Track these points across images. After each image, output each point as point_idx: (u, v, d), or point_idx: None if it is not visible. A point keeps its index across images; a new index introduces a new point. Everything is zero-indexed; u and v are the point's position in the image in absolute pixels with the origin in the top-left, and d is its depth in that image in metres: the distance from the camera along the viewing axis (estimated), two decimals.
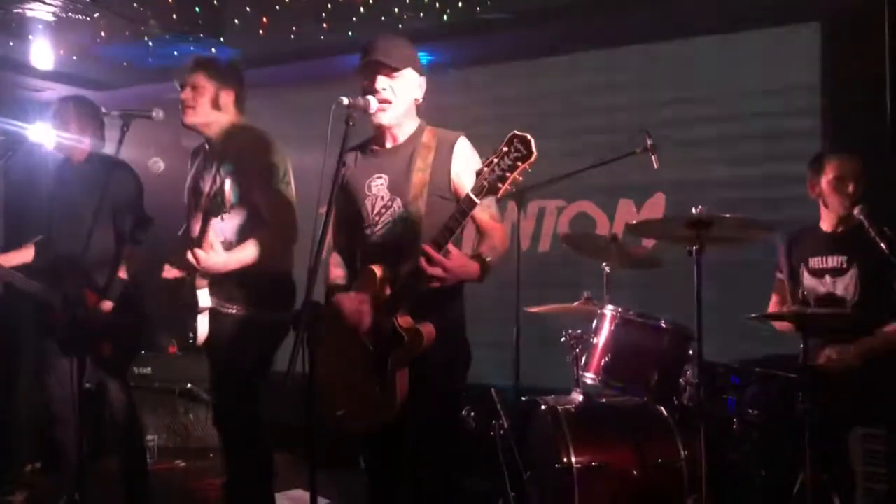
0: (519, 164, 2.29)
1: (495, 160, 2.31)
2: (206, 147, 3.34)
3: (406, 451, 2.65)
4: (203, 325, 3.13)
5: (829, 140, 4.12)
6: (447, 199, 2.61)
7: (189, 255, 2.98)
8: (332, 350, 2.58)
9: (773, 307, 3.60)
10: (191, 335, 3.14)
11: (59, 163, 3.89)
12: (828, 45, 4.26)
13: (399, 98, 2.66)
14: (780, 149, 4.32)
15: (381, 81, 2.62)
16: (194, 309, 3.11)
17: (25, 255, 3.92)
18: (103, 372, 3.76)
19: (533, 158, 2.28)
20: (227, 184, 3.05)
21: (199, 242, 3.01)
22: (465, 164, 2.61)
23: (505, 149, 2.30)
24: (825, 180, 3.43)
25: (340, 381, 2.63)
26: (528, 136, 2.29)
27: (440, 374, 2.59)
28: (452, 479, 2.77)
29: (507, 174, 2.30)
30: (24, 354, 5.15)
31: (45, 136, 3.88)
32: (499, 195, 2.35)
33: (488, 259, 2.52)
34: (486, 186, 2.32)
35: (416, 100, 2.73)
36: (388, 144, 2.74)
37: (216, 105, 3.25)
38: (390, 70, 2.62)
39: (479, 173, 2.35)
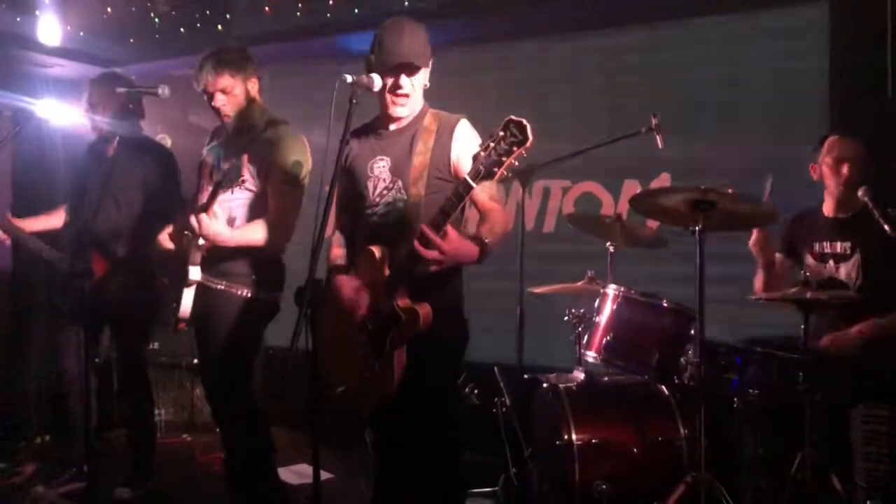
0: (515, 148, 2.30)
1: (492, 145, 2.32)
2: (229, 131, 3.33)
3: (408, 429, 2.69)
4: (187, 300, 3.14)
5: (836, 122, 4.10)
6: (448, 182, 2.63)
7: (192, 219, 2.99)
8: (332, 328, 2.62)
9: (759, 284, 3.59)
10: (174, 306, 3.15)
11: (96, 143, 3.91)
12: (836, 25, 4.22)
13: (416, 91, 2.70)
14: (787, 130, 4.30)
15: (405, 79, 2.66)
16: (183, 282, 3.13)
17: (54, 219, 4.00)
18: (115, 345, 3.82)
19: (529, 143, 2.29)
20: (245, 160, 3.05)
21: (203, 209, 3.01)
22: (465, 148, 2.63)
23: (501, 133, 2.31)
24: (824, 161, 3.43)
25: (340, 358, 2.66)
26: (524, 122, 2.30)
27: (438, 353, 2.62)
28: (455, 455, 2.80)
29: (504, 158, 2.30)
30: (33, 327, 5.21)
31: (52, 111, 3.90)
32: (495, 179, 2.36)
33: (487, 241, 2.53)
34: (482, 171, 2.33)
35: (424, 85, 2.75)
36: (392, 127, 2.77)
37: (248, 97, 3.27)
38: (417, 69, 2.66)
39: (475, 157, 2.36)
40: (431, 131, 2.69)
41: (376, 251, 2.61)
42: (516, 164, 2.33)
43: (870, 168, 3.39)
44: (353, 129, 2.71)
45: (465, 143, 2.65)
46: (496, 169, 2.32)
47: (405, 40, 2.62)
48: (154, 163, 3.80)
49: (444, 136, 2.68)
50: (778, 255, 3.61)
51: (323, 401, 2.53)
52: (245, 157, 3.07)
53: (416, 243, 2.41)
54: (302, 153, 3.20)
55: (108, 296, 3.65)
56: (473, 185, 2.36)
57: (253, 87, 3.29)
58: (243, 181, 3.13)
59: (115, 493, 3.79)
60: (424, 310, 2.54)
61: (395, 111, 2.70)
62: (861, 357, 3.16)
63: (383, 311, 2.56)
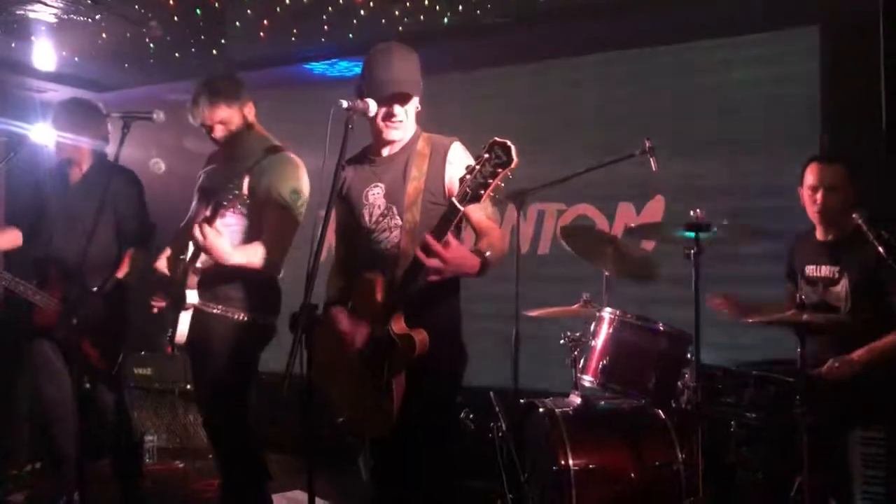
0: (500, 170, 2.31)
1: (477, 167, 2.33)
2: (227, 155, 3.31)
3: (405, 455, 2.67)
4: (184, 324, 3.12)
5: (827, 145, 4.12)
6: (443, 206, 2.59)
7: (196, 230, 2.92)
8: (331, 358, 2.61)
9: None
10: (170, 331, 3.13)
11: (60, 166, 3.89)
12: (827, 48, 4.26)
13: (409, 117, 2.72)
14: (779, 152, 4.32)
15: (398, 108, 2.67)
16: (180, 305, 3.11)
17: (11, 237, 3.92)
18: (92, 371, 3.76)
19: (514, 165, 2.30)
20: (246, 182, 3.04)
21: (208, 222, 2.96)
22: (458, 171, 2.58)
23: (486, 155, 2.32)
24: (804, 187, 3.45)
25: (341, 388, 2.67)
26: (508, 143, 2.31)
27: (435, 378, 2.61)
28: (452, 482, 2.79)
29: (489, 181, 2.31)
30: (23, 354, 5.16)
31: (47, 137, 3.90)
32: (481, 201, 2.36)
33: (487, 254, 2.52)
34: (468, 193, 2.34)
35: (416, 108, 2.76)
36: (385, 153, 2.78)
37: (245, 124, 3.27)
38: (409, 97, 2.67)
39: (461, 180, 2.37)
40: (425, 156, 2.69)
41: (372, 278, 2.61)
42: (502, 185, 2.34)
43: (850, 193, 3.38)
44: (348, 157, 2.71)
45: (459, 167, 2.63)
46: (482, 191, 2.32)
47: (396, 69, 2.63)
48: (121, 186, 3.75)
49: (438, 161, 2.69)
50: (788, 282, 3.62)
51: (324, 430, 2.52)
52: (246, 179, 3.05)
53: (417, 250, 2.41)
54: (300, 180, 3.19)
55: (79, 322, 3.53)
56: (460, 207, 2.36)
57: (249, 112, 3.29)
58: (239, 203, 3.10)
59: None
60: (420, 336, 2.53)
61: (389, 135, 2.71)
62: (856, 380, 3.16)
63: (379, 337, 2.55)
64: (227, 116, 3.22)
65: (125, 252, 3.77)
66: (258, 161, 3.18)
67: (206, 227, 2.92)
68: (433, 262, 2.38)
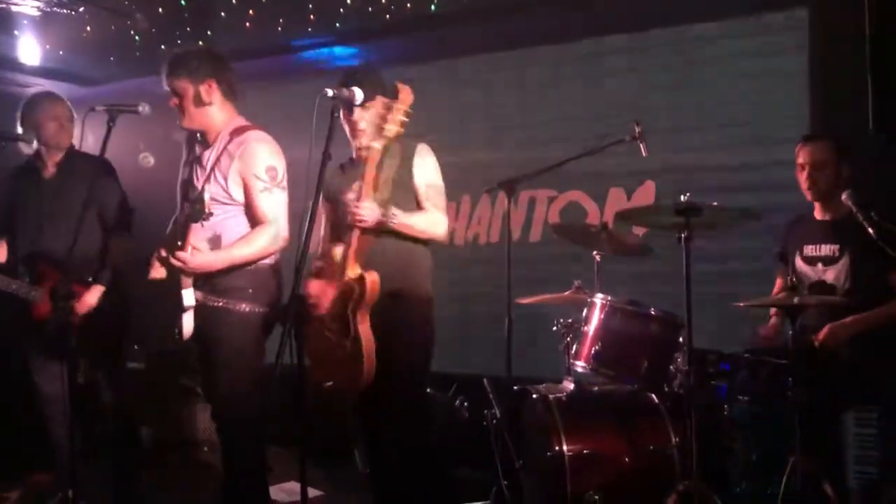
0: None
1: None
2: (199, 139, 3.31)
3: (384, 413, 3.07)
4: (188, 322, 3.12)
5: (817, 125, 4.12)
6: (411, 206, 3.06)
7: (174, 262, 3.00)
8: (314, 332, 2.95)
9: (776, 291, 3.60)
10: (176, 331, 3.13)
11: (30, 161, 3.83)
12: (816, 29, 4.25)
13: (370, 123, 2.95)
14: (769, 135, 4.32)
15: (357, 114, 3.01)
16: (179, 308, 3.11)
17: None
18: (92, 365, 3.74)
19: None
20: (207, 191, 3.02)
21: (180, 248, 3.00)
22: (423, 171, 3.12)
23: None
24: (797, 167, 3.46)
25: (322, 356, 2.96)
26: None
27: (400, 340, 3.01)
28: (426, 448, 3.10)
29: None
30: (16, 352, 5.13)
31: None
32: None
33: (397, 216, 2.96)
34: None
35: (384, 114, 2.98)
36: (357, 155, 3.15)
37: (199, 102, 3.21)
38: (362, 108, 2.92)
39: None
40: (395, 157, 3.03)
41: (337, 249, 2.96)
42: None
43: (841, 171, 3.39)
44: (340, 163, 3.10)
45: (423, 168, 3.11)
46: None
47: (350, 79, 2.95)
48: (98, 174, 3.59)
49: (406, 163, 3.07)
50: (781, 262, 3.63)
51: (316, 399, 2.66)
52: (207, 190, 3.03)
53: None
54: (272, 155, 3.18)
55: (83, 316, 3.56)
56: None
57: (208, 90, 3.22)
58: (210, 214, 3.03)
59: None
60: (371, 276, 2.91)
61: (356, 142, 3.13)
62: (850, 359, 3.16)
63: (340, 289, 2.92)
64: (180, 87, 3.19)
65: (110, 240, 3.74)
66: (227, 143, 3.18)
67: (182, 256, 2.98)
68: (356, 212, 2.92)
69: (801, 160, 3.45)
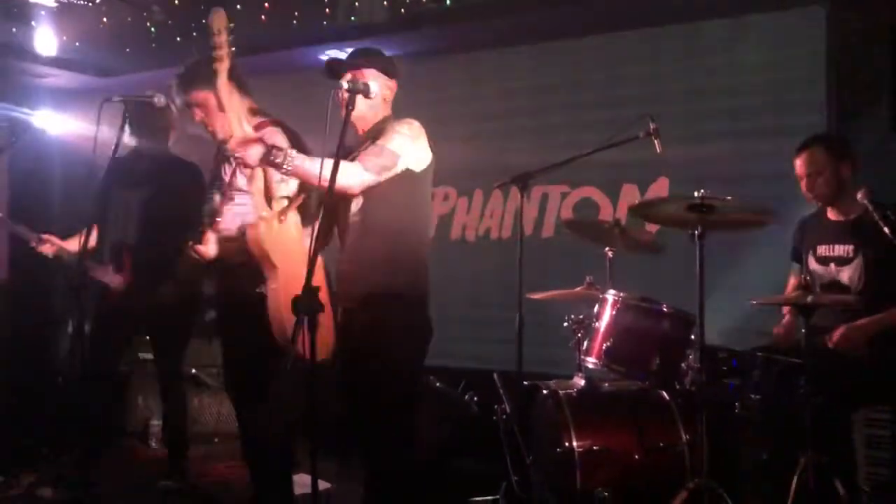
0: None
1: None
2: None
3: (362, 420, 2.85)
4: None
5: (835, 125, 4.09)
6: (397, 182, 2.75)
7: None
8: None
9: (789, 290, 3.58)
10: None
11: (126, 159, 3.94)
12: (833, 28, 4.22)
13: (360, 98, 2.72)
14: (787, 137, 4.29)
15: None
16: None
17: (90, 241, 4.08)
18: (159, 353, 4.12)
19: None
20: (215, 199, 3.07)
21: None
22: (384, 135, 2.77)
23: None
24: None
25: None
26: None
27: (385, 349, 2.74)
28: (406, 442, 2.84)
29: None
30: (25, 334, 5.21)
31: (49, 121, 3.92)
32: None
33: (292, 158, 2.59)
34: None
35: (383, 97, 2.85)
36: (357, 136, 2.90)
37: (223, 107, 3.20)
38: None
39: None
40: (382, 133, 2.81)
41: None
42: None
43: (840, 172, 3.35)
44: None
45: (386, 133, 2.78)
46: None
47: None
48: (188, 181, 3.86)
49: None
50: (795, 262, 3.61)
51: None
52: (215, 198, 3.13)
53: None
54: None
55: (156, 305, 3.82)
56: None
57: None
58: (239, 193, 3.09)
59: (158, 486, 4.00)
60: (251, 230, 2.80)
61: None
62: (863, 359, 3.15)
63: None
64: (202, 99, 3.16)
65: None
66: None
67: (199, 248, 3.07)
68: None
69: (798, 170, 3.43)
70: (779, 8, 4.37)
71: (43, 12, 4.97)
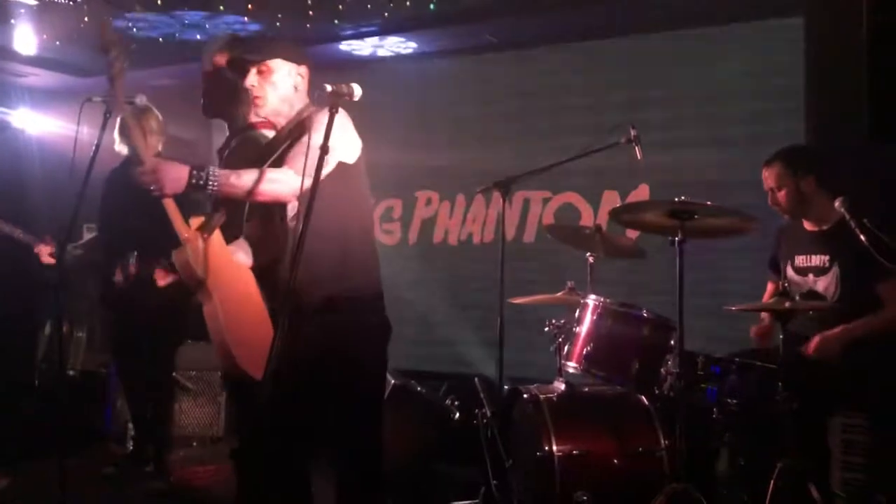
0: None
1: None
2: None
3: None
4: None
5: (813, 133, 4.14)
6: (336, 175, 2.53)
7: None
8: None
9: (767, 297, 3.62)
10: None
11: (123, 166, 4.02)
12: (811, 37, 4.27)
13: (270, 92, 2.65)
14: (766, 146, 4.32)
15: (251, 78, 2.64)
16: None
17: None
18: (151, 352, 4.23)
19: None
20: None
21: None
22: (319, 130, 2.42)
23: None
24: None
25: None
26: None
27: (346, 350, 2.61)
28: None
29: None
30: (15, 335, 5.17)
31: (29, 121, 3.89)
32: None
33: (214, 178, 2.41)
34: None
35: (294, 87, 2.69)
36: (277, 134, 2.75)
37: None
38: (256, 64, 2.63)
39: None
40: (304, 127, 2.60)
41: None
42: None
43: (800, 187, 3.37)
44: None
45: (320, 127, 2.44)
46: None
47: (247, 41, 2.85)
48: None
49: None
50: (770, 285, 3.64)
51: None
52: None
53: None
54: None
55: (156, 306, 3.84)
56: None
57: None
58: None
59: (147, 488, 4.13)
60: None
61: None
62: (839, 365, 3.18)
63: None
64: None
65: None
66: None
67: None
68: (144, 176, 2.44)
69: (764, 184, 3.48)
70: (758, 17, 4.42)
71: (23, 11, 4.92)
